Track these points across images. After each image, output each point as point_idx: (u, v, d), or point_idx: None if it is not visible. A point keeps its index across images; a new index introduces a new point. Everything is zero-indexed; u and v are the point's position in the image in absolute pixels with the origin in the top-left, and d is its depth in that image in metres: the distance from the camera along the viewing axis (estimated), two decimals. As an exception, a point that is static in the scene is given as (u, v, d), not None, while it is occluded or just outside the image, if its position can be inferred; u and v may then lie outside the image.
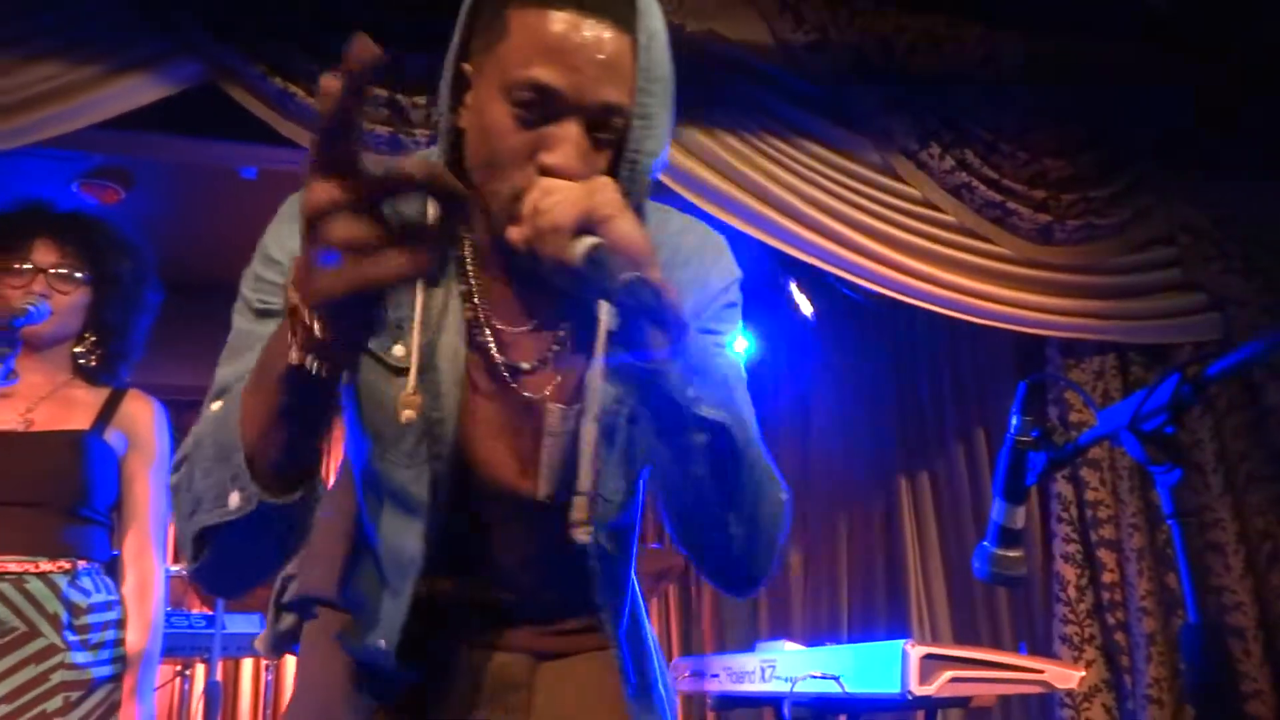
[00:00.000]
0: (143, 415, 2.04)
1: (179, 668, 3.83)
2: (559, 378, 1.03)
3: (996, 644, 3.62)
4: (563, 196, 0.86)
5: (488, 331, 1.02)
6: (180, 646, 3.29)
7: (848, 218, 3.02)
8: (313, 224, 0.68)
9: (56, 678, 1.82)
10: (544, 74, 0.90)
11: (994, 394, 3.78)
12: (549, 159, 0.90)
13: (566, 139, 0.91)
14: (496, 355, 1.02)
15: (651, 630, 1.21)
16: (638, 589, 1.18)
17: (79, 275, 1.99)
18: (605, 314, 0.95)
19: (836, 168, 3.05)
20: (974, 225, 3.13)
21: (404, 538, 1.03)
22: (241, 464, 0.82)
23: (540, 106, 0.91)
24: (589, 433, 0.97)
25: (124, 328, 2.07)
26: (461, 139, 0.98)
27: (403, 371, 0.96)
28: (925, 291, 3.08)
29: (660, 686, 1.15)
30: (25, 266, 1.95)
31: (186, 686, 4.20)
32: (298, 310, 0.72)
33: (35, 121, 2.52)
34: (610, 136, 0.94)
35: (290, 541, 0.92)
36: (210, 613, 3.36)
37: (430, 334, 0.99)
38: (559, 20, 0.91)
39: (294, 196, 1.01)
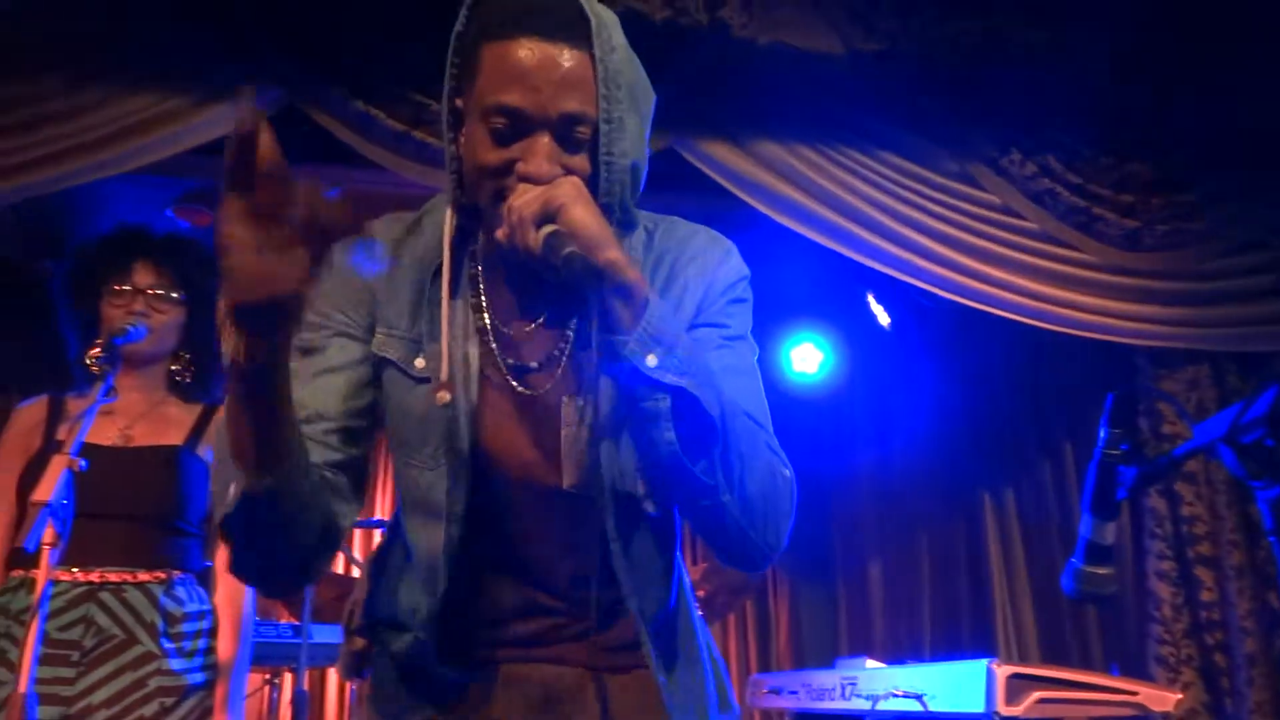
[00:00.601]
0: (233, 430, 2.11)
1: (267, 676, 3.93)
2: (568, 373, 1.11)
3: (1086, 665, 3.51)
4: (530, 195, 0.99)
5: (496, 336, 1.12)
6: (268, 656, 3.37)
7: (926, 227, 2.98)
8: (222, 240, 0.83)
9: (153, 684, 1.88)
10: (510, 98, 1.01)
11: (1081, 407, 3.67)
12: (524, 168, 1.02)
13: (538, 150, 1.02)
14: (503, 357, 1.11)
15: (709, 643, 1.21)
16: (694, 612, 1.20)
17: (175, 295, 2.07)
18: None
19: (913, 177, 3.01)
20: (1057, 232, 3.06)
21: (433, 540, 1.09)
22: (231, 460, 0.95)
23: (512, 126, 1.02)
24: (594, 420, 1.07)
25: (216, 345, 2.14)
26: (461, 167, 1.09)
27: (424, 380, 1.08)
28: (1007, 301, 3.02)
29: (713, 705, 1.17)
30: (126, 288, 2.04)
31: (275, 695, 4.31)
32: (227, 315, 0.87)
33: (131, 150, 2.64)
34: (581, 140, 1.04)
35: (298, 535, 1.00)
36: (298, 623, 3.44)
37: (448, 341, 1.09)
38: (520, 48, 1.02)
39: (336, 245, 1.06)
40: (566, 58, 1.02)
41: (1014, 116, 3.06)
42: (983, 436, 4.15)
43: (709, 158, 2.95)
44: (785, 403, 5.09)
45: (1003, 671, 2.16)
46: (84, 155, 2.60)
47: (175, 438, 2.03)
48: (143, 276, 2.06)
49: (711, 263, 1.15)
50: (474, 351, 1.10)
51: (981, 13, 3.07)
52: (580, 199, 0.98)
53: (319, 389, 1.07)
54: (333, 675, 4.92)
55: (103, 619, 1.88)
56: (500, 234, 1.01)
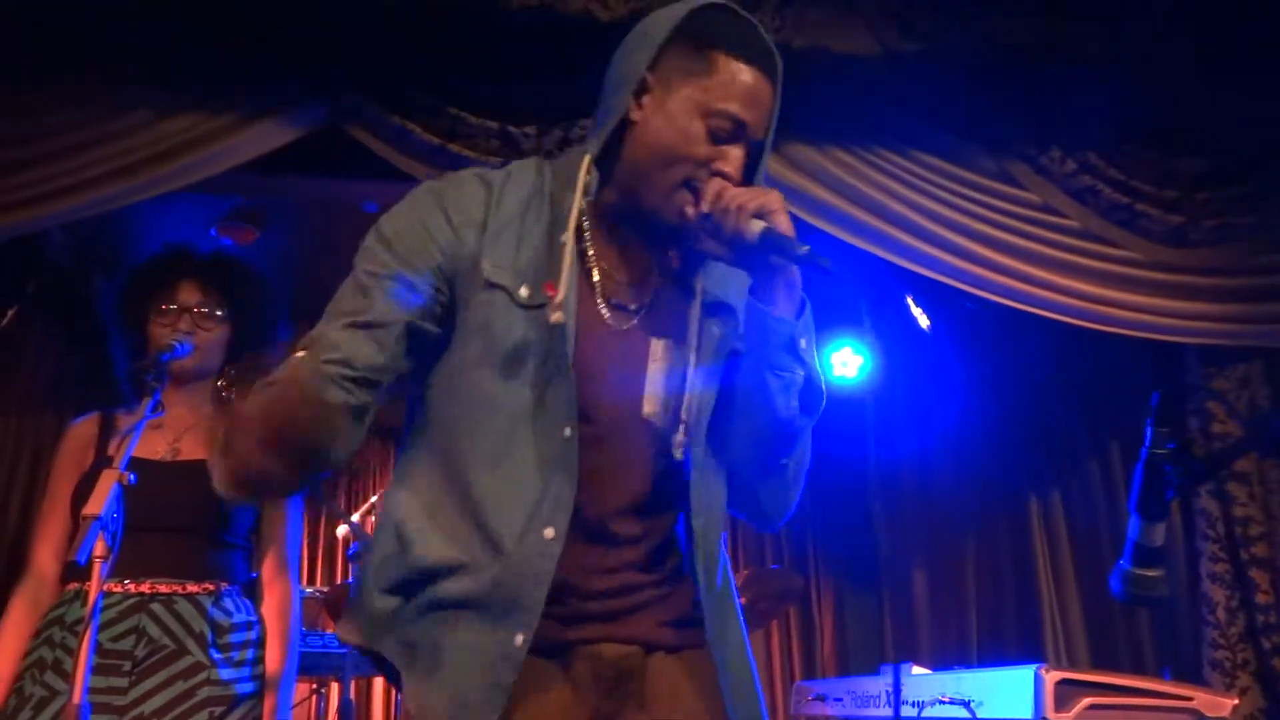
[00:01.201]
0: (278, 443, 2.14)
1: (314, 686, 3.97)
2: (661, 317, 1.28)
3: (1138, 670, 3.43)
4: (745, 192, 1.19)
5: (600, 277, 1.28)
6: (315, 665, 3.41)
7: (965, 228, 2.94)
8: None
9: (202, 693, 1.91)
10: (741, 112, 1.22)
11: (1128, 406, 3.60)
12: (725, 167, 1.22)
13: (736, 159, 1.23)
14: (605, 296, 1.27)
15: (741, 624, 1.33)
16: (737, 602, 1.33)
17: (220, 313, 2.11)
18: (702, 275, 1.29)
19: (951, 177, 2.98)
20: (1100, 230, 3.01)
21: (521, 470, 1.19)
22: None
23: (729, 132, 1.22)
24: (688, 359, 1.25)
25: (261, 361, 2.18)
26: (628, 128, 1.26)
27: (529, 307, 1.21)
28: (1050, 300, 2.98)
29: (753, 683, 1.30)
30: (172, 306, 2.08)
31: (322, 705, 4.35)
32: None
33: (177, 169, 2.70)
34: (747, 162, 1.27)
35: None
36: (343, 633, 3.47)
37: (564, 286, 1.21)
38: (752, 72, 1.23)
39: (424, 185, 1.29)
40: (770, 94, 1.25)
41: (1053, 113, 3.01)
42: (1028, 438, 4.08)
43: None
44: (825, 407, 5.04)
45: (1051, 677, 2.12)
46: (131, 175, 2.66)
47: (221, 451, 2.06)
48: (188, 295, 2.10)
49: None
50: (574, 287, 1.24)
51: (1020, 10, 3.04)
52: (785, 209, 1.20)
53: (356, 340, 1.16)
54: (379, 685, 4.96)
55: (153, 630, 1.91)
56: (693, 211, 1.21)
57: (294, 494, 1.23)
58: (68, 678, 1.85)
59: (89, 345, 4.15)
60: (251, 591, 2.09)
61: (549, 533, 1.17)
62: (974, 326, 4.10)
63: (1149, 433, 1.28)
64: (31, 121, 2.66)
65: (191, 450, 2.05)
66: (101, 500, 1.61)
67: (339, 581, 5.00)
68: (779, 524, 1.35)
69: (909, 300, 4.13)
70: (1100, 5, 3.05)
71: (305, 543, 4.98)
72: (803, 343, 1.22)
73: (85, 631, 1.60)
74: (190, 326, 2.07)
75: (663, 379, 1.25)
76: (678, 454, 1.22)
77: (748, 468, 1.31)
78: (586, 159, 1.26)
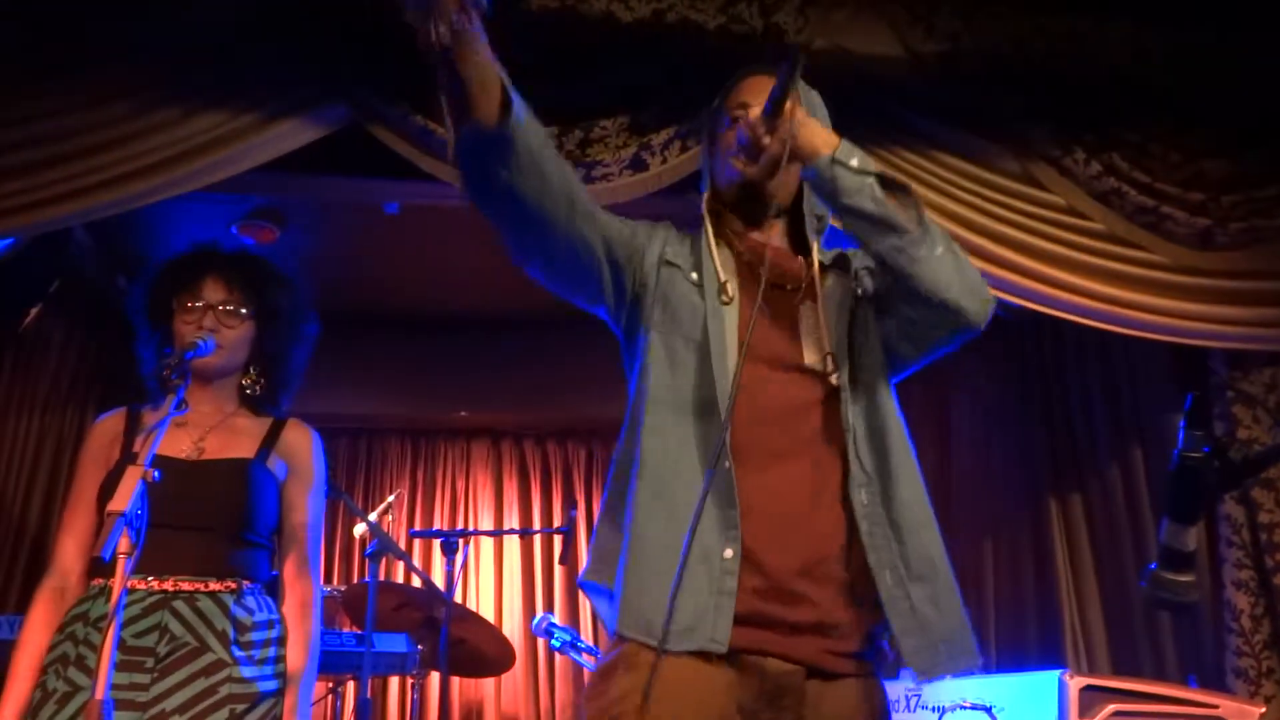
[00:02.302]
0: (302, 444, 2.14)
1: (331, 684, 3.99)
2: (811, 288, 1.56)
3: (1160, 677, 3.40)
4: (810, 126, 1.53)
5: (751, 261, 1.57)
6: (332, 664, 3.42)
7: (988, 230, 2.92)
8: None
9: (224, 690, 1.91)
10: (749, 98, 1.60)
11: (1151, 410, 3.57)
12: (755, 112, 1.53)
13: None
14: (759, 272, 1.53)
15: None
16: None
17: (244, 311, 2.11)
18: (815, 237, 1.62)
19: (973, 179, 2.96)
20: (1125, 232, 2.98)
21: (708, 411, 1.45)
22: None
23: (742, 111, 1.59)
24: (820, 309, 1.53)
25: (284, 359, 2.18)
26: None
27: (696, 285, 1.54)
28: (1073, 303, 2.95)
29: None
30: (197, 304, 2.09)
31: (338, 703, 4.36)
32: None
33: (200, 168, 2.71)
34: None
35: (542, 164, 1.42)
36: (361, 631, 3.49)
37: (719, 259, 1.57)
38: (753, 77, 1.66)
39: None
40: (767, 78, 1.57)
41: (1077, 114, 2.99)
42: (1048, 440, 4.05)
43: (764, 163, 2.93)
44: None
45: (1075, 683, 2.10)
46: (154, 175, 2.67)
47: (246, 450, 2.07)
48: (212, 292, 2.11)
49: None
50: (735, 279, 1.55)
51: (1043, 10, 3.01)
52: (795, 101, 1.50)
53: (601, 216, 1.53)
54: (395, 683, 4.97)
55: (176, 626, 1.91)
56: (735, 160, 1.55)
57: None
58: (90, 673, 1.85)
59: (110, 343, 4.19)
60: (273, 590, 2.10)
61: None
62: (993, 326, 4.07)
63: (1182, 435, 1.26)
64: (55, 121, 2.67)
65: (216, 449, 2.05)
66: (126, 497, 1.62)
67: (356, 580, 5.01)
68: (981, 309, 1.49)
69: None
70: (1125, 5, 3.02)
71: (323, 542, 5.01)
72: (854, 160, 1.45)
73: (109, 628, 1.60)
74: (214, 324, 2.08)
75: (818, 332, 1.51)
76: (834, 381, 1.48)
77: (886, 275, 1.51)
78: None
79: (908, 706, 2.65)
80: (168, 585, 1.93)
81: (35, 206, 2.66)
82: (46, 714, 1.84)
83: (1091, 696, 2.11)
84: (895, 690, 2.75)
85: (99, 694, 1.56)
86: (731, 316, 1.51)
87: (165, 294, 2.14)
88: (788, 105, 1.43)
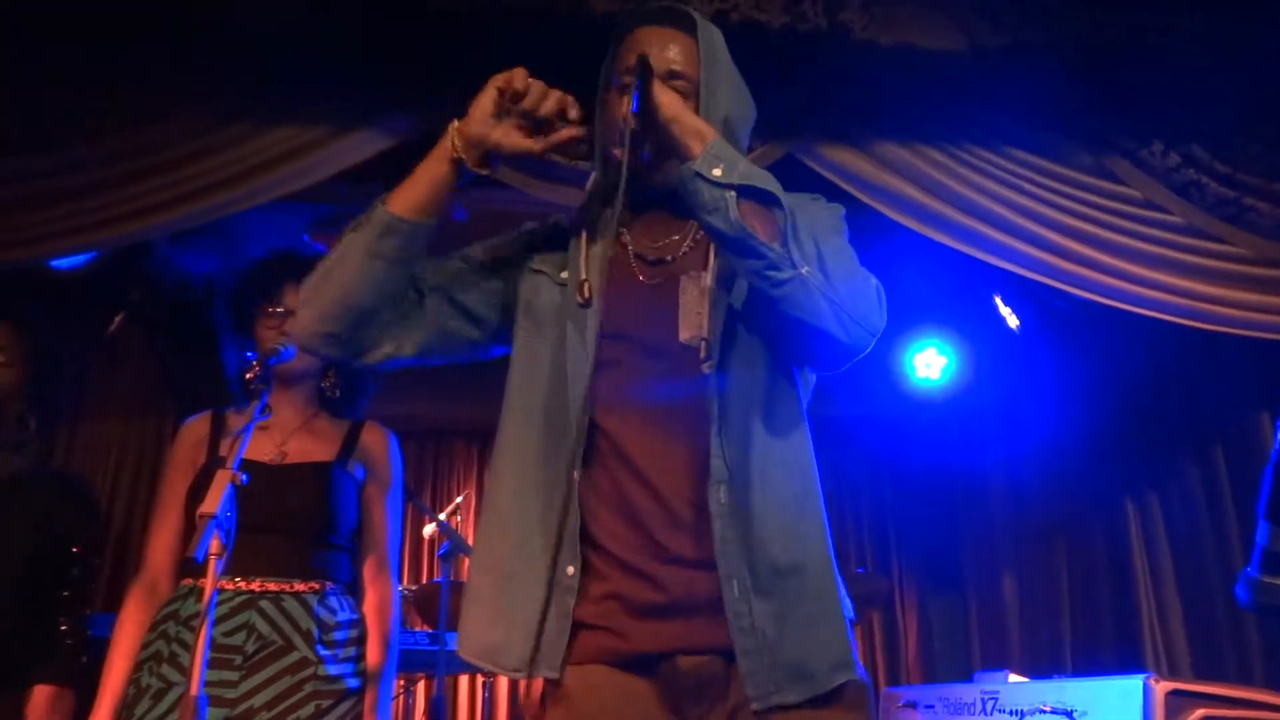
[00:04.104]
0: (379, 446, 2.19)
1: (403, 683, 4.05)
2: (690, 261, 1.45)
3: (1246, 682, 3.30)
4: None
5: (628, 240, 1.49)
6: (405, 663, 3.47)
7: (1062, 225, 2.87)
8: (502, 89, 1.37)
9: (309, 688, 1.95)
10: (632, 57, 1.43)
11: (1232, 408, 3.47)
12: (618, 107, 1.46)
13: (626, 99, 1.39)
14: (632, 247, 1.47)
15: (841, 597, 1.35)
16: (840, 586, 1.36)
17: (323, 315, 2.17)
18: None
19: (1046, 174, 2.91)
20: (1205, 225, 2.90)
21: (560, 416, 1.38)
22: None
23: (628, 77, 1.42)
24: (701, 286, 1.40)
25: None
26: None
27: (562, 284, 1.46)
28: (1152, 299, 2.88)
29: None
30: (278, 310, 2.15)
31: (410, 701, 4.43)
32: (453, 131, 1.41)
33: (276, 179, 2.78)
34: (682, 92, 1.43)
35: (384, 279, 1.41)
36: (434, 630, 3.54)
37: (587, 254, 1.47)
38: (644, 31, 1.49)
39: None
40: (669, 33, 1.48)
41: (1154, 106, 2.92)
42: (1125, 440, 3.95)
43: (831, 162, 2.91)
44: (909, 409, 4.99)
45: (1161, 687, 2.05)
46: (232, 187, 2.74)
47: (326, 454, 2.12)
48: (293, 297, 2.16)
49: (806, 201, 1.48)
50: (606, 252, 1.45)
51: (1113, 2, 2.95)
52: (669, 89, 1.39)
53: (449, 269, 1.50)
54: (465, 682, 5.04)
55: (263, 626, 1.96)
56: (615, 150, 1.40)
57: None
58: (182, 670, 1.91)
59: (187, 351, 4.31)
60: (353, 590, 2.14)
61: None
62: (1065, 325, 3.99)
63: (1279, 434, 1.22)
64: (138, 137, 2.76)
65: (298, 453, 2.10)
66: (217, 499, 1.66)
67: (426, 580, 5.09)
68: (851, 348, 1.33)
69: (997, 300, 4.05)
70: (1199, -5, 2.94)
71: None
72: (716, 171, 1.30)
73: (201, 627, 1.65)
74: None
75: (694, 306, 1.38)
76: (706, 368, 1.34)
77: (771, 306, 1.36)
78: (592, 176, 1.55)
79: (984, 709, 2.61)
80: (254, 586, 1.99)
81: (119, 220, 2.75)
82: (141, 709, 1.90)
83: (1178, 702, 2.06)
84: (970, 693, 2.71)
85: (194, 690, 1.61)
86: (594, 311, 1.42)
87: (247, 301, 2.20)
88: (656, 99, 1.33)
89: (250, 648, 1.94)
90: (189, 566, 2.01)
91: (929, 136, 2.90)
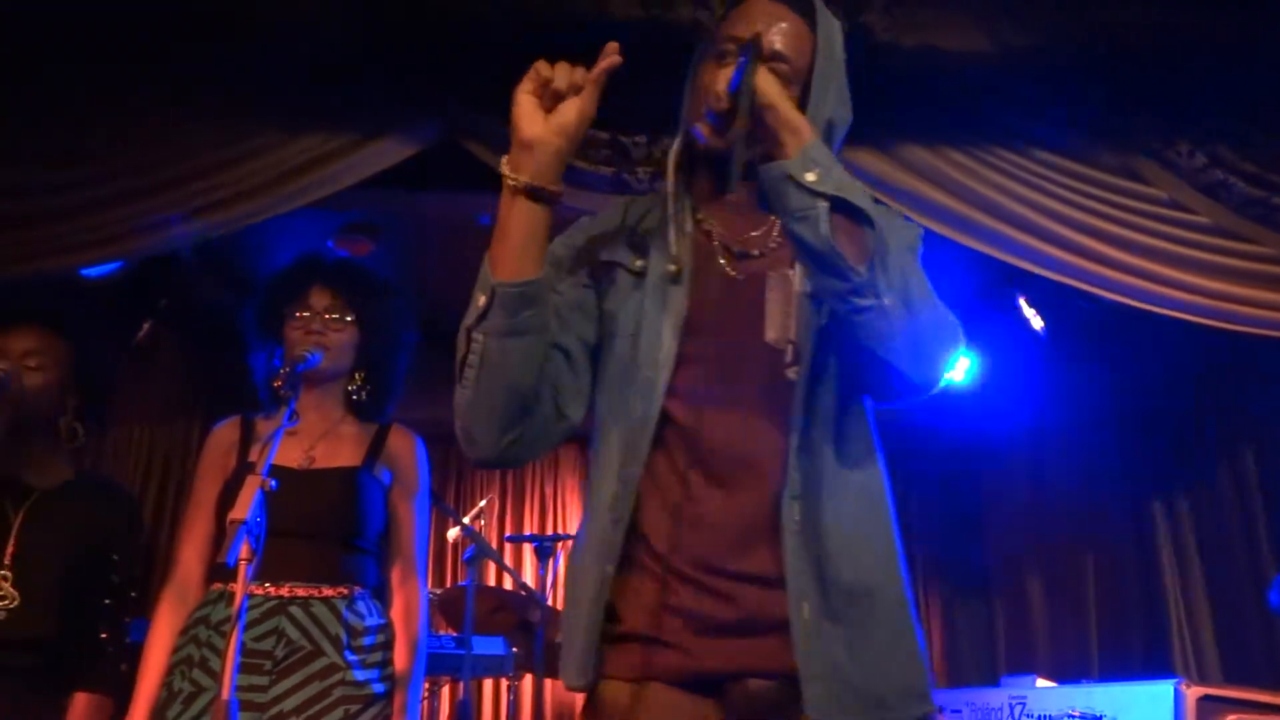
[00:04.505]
0: (405, 450, 2.21)
1: (428, 687, 4.07)
2: (778, 257, 1.34)
3: (1277, 687, 3.26)
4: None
5: (714, 232, 1.37)
6: (432, 666, 3.49)
7: (1088, 226, 2.85)
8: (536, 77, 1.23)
9: (337, 693, 1.96)
10: (740, 32, 1.32)
11: (1262, 409, 3.43)
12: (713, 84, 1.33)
13: (727, 74, 1.26)
14: (718, 238, 1.36)
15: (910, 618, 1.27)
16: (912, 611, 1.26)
17: (349, 318, 2.19)
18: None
19: (1071, 174, 2.89)
20: (1233, 226, 2.88)
21: (635, 410, 1.29)
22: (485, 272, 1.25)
23: (730, 53, 1.32)
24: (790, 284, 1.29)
25: (388, 364, 2.25)
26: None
27: (637, 273, 1.35)
28: (1179, 300, 2.86)
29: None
30: (305, 313, 2.16)
31: (435, 704, 4.45)
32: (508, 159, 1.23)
33: (302, 187, 2.81)
34: (783, 78, 1.30)
35: (525, 363, 1.24)
36: (457, 634, 3.56)
37: (673, 238, 1.36)
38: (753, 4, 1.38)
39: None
40: (780, 10, 1.36)
41: (1179, 106, 2.89)
42: (1152, 441, 3.92)
43: (853, 165, 2.90)
44: (933, 412, 4.97)
45: (1193, 693, 2.03)
46: (259, 196, 2.78)
47: (353, 459, 2.13)
48: (318, 299, 2.18)
49: (896, 226, 1.39)
50: (688, 241, 1.35)
51: (1139, 1, 2.93)
52: (772, 75, 1.26)
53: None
54: (489, 685, 5.05)
55: (292, 631, 1.98)
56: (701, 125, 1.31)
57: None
58: (213, 675, 1.93)
59: (215, 356, 4.36)
60: (381, 595, 2.16)
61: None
62: (1090, 327, 3.96)
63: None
64: (166, 148, 2.79)
65: (326, 457, 2.12)
66: (246, 505, 1.67)
67: (450, 583, 5.11)
68: (925, 384, 1.24)
69: (1021, 302, 4.02)
70: (1227, -7, 2.91)
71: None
72: (810, 176, 1.18)
73: (232, 632, 1.66)
74: (322, 328, 2.15)
75: (781, 306, 1.28)
76: (791, 375, 1.25)
77: (838, 328, 1.27)
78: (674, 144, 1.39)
79: (1012, 714, 2.59)
80: (283, 591, 2.00)
81: (147, 230, 2.79)
82: (173, 713, 1.92)
83: (1210, 707, 2.04)
84: (998, 698, 2.69)
85: (225, 694, 1.63)
86: (677, 298, 1.32)
87: (274, 304, 2.22)
88: (756, 86, 1.20)
89: (280, 653, 1.95)
90: (219, 571, 2.03)
91: (952, 138, 2.89)
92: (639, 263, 1.35)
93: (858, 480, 1.28)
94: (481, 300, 1.22)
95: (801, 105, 1.30)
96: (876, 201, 1.25)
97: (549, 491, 5.61)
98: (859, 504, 1.27)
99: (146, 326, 3.96)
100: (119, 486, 2.45)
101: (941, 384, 1.25)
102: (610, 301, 1.36)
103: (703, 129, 1.30)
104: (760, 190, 1.27)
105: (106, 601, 2.13)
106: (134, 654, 2.08)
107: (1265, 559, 3.37)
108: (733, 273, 1.34)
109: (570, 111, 1.21)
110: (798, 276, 1.28)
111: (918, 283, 1.24)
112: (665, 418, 1.28)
